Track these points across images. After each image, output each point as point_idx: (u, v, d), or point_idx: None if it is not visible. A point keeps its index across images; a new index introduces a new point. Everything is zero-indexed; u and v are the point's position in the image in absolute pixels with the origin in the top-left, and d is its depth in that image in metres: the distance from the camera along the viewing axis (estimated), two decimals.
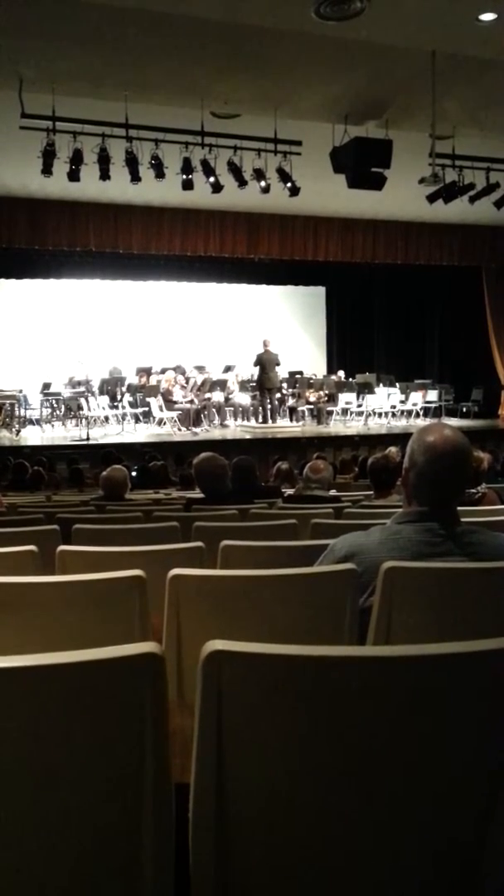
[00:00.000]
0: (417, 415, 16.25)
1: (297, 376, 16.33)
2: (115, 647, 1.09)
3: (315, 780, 1.14)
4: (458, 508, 2.11)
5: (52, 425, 14.62)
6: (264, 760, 1.14)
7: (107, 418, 14.37)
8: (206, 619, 1.99)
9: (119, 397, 14.72)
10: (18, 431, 13.57)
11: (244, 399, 15.55)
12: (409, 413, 16.21)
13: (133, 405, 14.80)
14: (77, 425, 13.98)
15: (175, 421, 14.04)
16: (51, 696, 1.07)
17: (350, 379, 16.56)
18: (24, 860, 1.11)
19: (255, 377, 14.82)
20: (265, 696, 1.12)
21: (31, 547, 2.60)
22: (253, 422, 15.12)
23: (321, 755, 1.14)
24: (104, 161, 10.12)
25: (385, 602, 1.92)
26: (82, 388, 14.52)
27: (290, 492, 5.56)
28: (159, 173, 10.41)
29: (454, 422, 15.13)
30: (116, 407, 14.60)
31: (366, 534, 2.13)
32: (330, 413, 15.59)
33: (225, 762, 1.12)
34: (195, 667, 1.12)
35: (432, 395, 16.63)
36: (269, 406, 14.74)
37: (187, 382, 15.14)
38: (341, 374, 17.00)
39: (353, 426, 15.28)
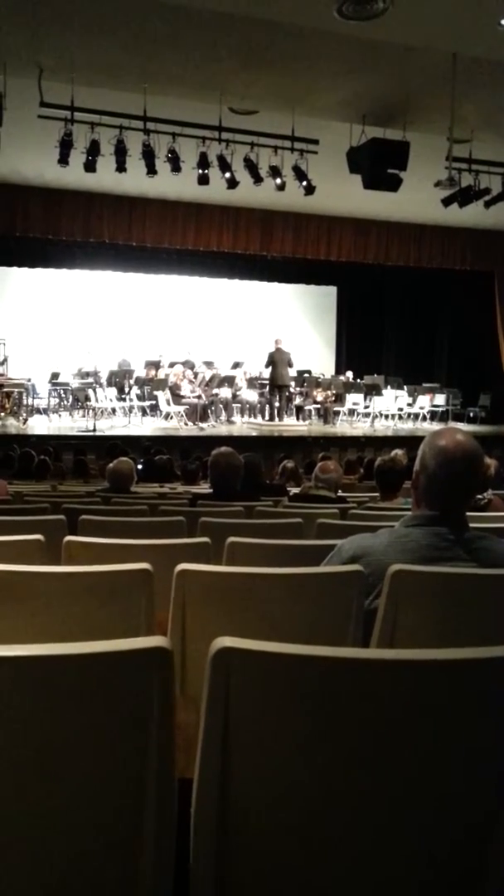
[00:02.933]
0: (424, 418, 16.23)
1: (306, 375, 16.32)
2: (124, 640, 1.10)
3: (318, 780, 1.15)
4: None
5: (59, 415, 14.65)
6: (268, 758, 1.14)
7: (114, 410, 14.38)
8: (211, 614, 1.99)
9: (127, 390, 14.73)
10: (25, 420, 13.59)
11: (251, 396, 15.54)
12: (416, 416, 16.19)
13: (140, 398, 14.81)
14: (84, 416, 14.01)
15: (182, 415, 14.04)
16: (58, 686, 1.08)
17: (358, 380, 16.54)
18: (26, 848, 1.12)
19: (268, 375, 14.83)
20: (271, 694, 1.12)
21: (38, 536, 2.60)
22: (259, 419, 15.12)
23: (324, 755, 1.14)
24: (121, 153, 10.13)
25: (391, 605, 1.92)
26: (90, 380, 14.54)
27: (295, 490, 5.56)
28: (175, 167, 10.41)
29: (461, 427, 15.06)
30: (124, 399, 14.60)
31: (374, 536, 2.13)
32: (337, 413, 15.58)
33: (229, 758, 1.12)
34: (199, 662, 1.12)
35: (440, 398, 16.62)
36: (276, 404, 14.75)
37: (195, 377, 15.14)
38: (349, 374, 16.97)
39: (360, 427, 15.27)
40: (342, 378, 16.65)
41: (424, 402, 16.25)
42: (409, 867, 1.19)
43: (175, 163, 10.37)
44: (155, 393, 14.34)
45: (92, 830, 1.13)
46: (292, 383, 15.53)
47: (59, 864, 1.13)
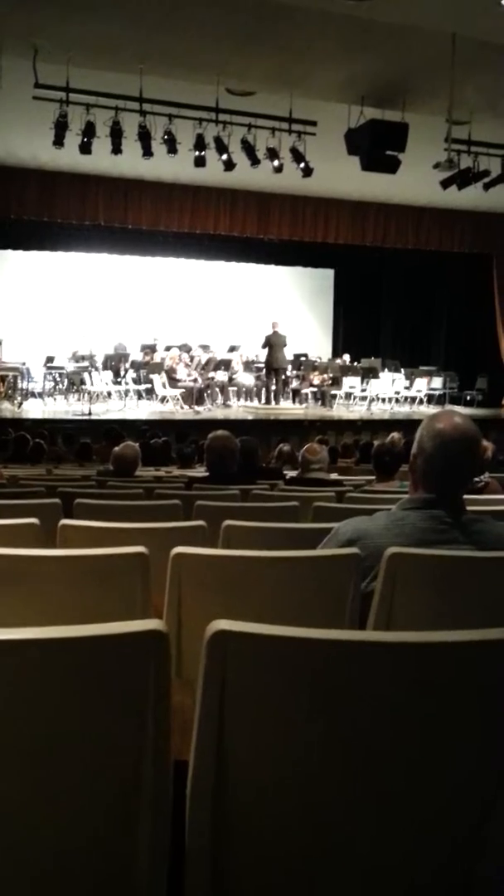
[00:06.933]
0: (421, 401, 16.21)
1: (302, 358, 16.29)
2: (120, 623, 1.09)
3: (313, 762, 1.15)
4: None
5: (55, 399, 14.62)
6: (264, 741, 1.14)
7: (109, 394, 14.35)
8: (207, 598, 1.98)
9: (122, 373, 14.70)
10: (20, 404, 13.55)
11: (248, 379, 15.52)
12: (413, 399, 16.17)
13: (136, 382, 14.78)
14: (79, 400, 13.99)
15: (178, 399, 14.03)
16: (54, 670, 1.07)
17: (355, 363, 16.50)
18: (21, 829, 1.12)
19: (264, 357, 14.80)
20: (267, 677, 1.12)
21: (33, 520, 2.58)
22: (256, 402, 15.11)
23: (320, 737, 1.14)
24: (116, 134, 10.07)
25: (387, 588, 1.92)
26: (86, 363, 14.49)
27: (292, 474, 5.56)
28: (172, 149, 10.34)
29: (458, 410, 15.04)
30: (119, 383, 14.58)
31: (371, 518, 2.12)
32: (334, 397, 15.56)
33: (225, 741, 1.12)
34: (195, 645, 1.12)
35: (437, 382, 16.59)
36: (273, 387, 14.73)
37: (191, 361, 15.11)
38: (346, 357, 16.93)
39: (357, 411, 15.24)
40: (339, 361, 16.62)
41: (422, 386, 16.21)
42: (409, 850, 1.19)
43: (171, 144, 10.30)
44: (151, 376, 14.31)
45: (87, 812, 1.13)
46: (289, 366, 15.50)
47: (54, 845, 1.13)
